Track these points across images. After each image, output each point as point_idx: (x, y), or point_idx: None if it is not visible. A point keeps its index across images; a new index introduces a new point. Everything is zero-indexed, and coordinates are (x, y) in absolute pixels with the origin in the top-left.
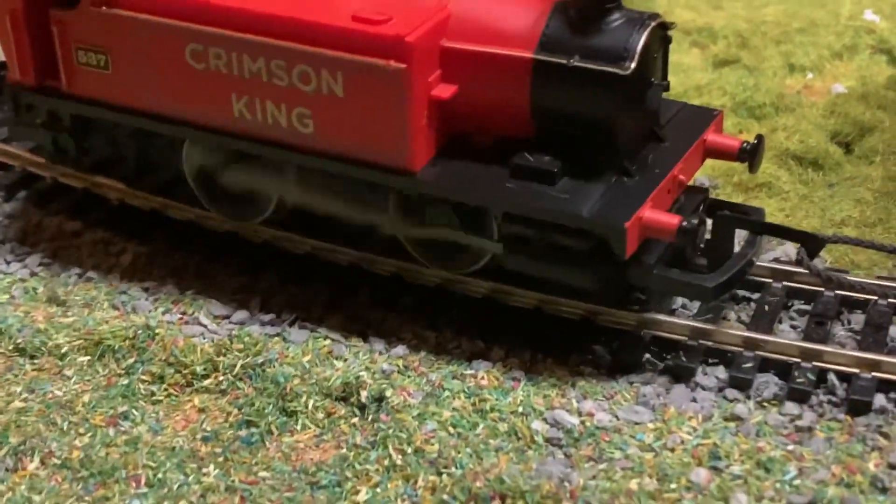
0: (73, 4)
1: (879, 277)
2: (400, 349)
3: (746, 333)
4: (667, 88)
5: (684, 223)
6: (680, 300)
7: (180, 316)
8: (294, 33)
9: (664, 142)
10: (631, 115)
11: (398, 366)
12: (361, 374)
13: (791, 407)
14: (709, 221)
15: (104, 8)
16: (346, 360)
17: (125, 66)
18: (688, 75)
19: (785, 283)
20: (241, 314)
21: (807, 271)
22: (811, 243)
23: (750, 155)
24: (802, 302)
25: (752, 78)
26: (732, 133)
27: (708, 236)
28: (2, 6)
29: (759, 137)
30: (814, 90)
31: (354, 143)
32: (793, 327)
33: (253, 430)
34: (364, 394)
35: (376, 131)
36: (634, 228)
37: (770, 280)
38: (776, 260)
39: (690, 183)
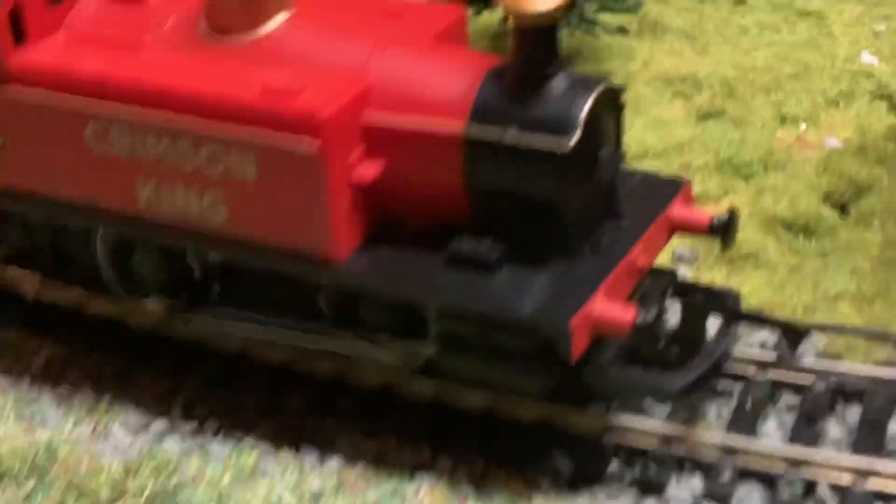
0: None
1: (878, 363)
2: (334, 462)
3: (724, 441)
4: (622, 159)
5: (639, 319)
6: None
7: (93, 427)
8: (198, 108)
9: (622, 219)
10: (577, 193)
11: (331, 484)
12: (284, 495)
13: None
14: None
15: None
16: (272, 477)
17: (22, 149)
18: (669, 131)
19: (770, 374)
20: (160, 424)
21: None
22: (791, 333)
23: (721, 230)
24: (792, 392)
25: (738, 132)
26: (717, 194)
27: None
28: None
29: (731, 212)
30: (807, 143)
31: (272, 232)
32: (782, 424)
33: None
34: None
35: (294, 217)
36: (583, 326)
37: (753, 373)
38: (762, 346)
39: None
